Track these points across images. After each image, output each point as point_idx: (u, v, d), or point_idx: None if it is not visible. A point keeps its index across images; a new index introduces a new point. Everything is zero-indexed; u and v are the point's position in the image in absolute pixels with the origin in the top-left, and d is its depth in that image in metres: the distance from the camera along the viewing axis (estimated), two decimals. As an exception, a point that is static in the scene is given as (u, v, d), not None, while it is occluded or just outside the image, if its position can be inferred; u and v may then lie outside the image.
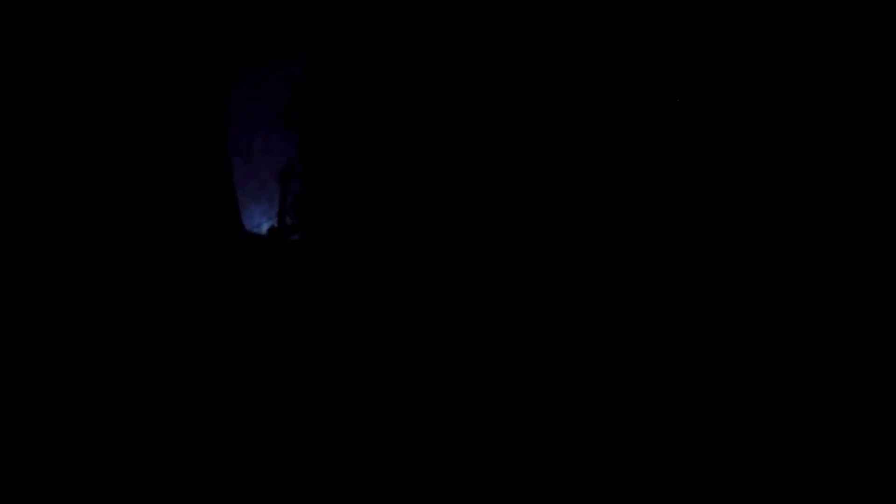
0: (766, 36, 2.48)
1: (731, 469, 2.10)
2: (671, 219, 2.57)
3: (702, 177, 2.57)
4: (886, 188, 2.28)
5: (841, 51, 2.40)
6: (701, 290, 2.45)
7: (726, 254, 2.49)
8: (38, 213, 2.85)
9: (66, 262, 2.69)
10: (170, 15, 2.85)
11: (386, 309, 2.64)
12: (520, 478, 2.15)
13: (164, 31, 2.87)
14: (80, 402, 2.26)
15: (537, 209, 2.78)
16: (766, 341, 2.28)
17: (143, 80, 2.88)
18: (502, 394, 2.32)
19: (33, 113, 2.91)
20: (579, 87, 2.76)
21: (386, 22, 2.88)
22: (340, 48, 2.82)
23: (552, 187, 2.76)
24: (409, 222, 3.17)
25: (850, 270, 2.30)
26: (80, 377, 2.33)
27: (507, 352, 2.43)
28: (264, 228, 2.94)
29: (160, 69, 2.88)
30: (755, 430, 2.14)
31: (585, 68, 2.74)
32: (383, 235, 3.12)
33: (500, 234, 2.82)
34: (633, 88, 2.68)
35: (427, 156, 3.08)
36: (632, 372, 2.33)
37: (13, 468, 2.07)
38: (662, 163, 2.62)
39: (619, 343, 2.40)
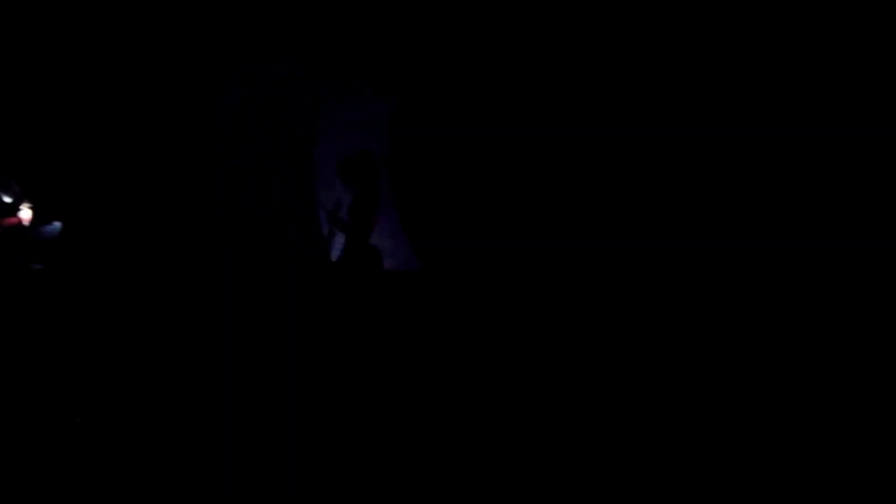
0: (765, 36, 2.48)
1: (731, 470, 2.10)
2: (668, 220, 2.57)
3: (700, 178, 2.56)
4: (886, 187, 2.28)
5: (840, 51, 2.40)
6: (700, 289, 2.45)
7: (727, 255, 2.49)
8: (38, 213, 2.86)
9: (65, 262, 2.70)
10: (169, 16, 2.86)
11: (386, 308, 2.64)
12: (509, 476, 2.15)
13: (165, 32, 2.88)
14: (80, 402, 2.27)
15: (536, 209, 2.78)
16: (765, 342, 2.28)
17: (144, 80, 2.89)
18: (501, 392, 2.32)
19: (33, 113, 2.92)
20: (578, 89, 2.76)
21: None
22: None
23: (551, 188, 2.76)
24: (409, 222, 3.18)
25: (849, 270, 2.29)
26: (80, 377, 2.34)
27: (507, 351, 2.43)
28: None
29: (161, 69, 2.89)
30: (755, 430, 2.14)
31: (584, 71, 2.75)
32: (383, 234, 3.12)
33: (500, 233, 2.83)
34: (632, 91, 2.68)
35: (427, 156, 3.08)
36: (627, 371, 2.33)
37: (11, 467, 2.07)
38: (659, 163, 2.62)
39: (618, 342, 2.40)
